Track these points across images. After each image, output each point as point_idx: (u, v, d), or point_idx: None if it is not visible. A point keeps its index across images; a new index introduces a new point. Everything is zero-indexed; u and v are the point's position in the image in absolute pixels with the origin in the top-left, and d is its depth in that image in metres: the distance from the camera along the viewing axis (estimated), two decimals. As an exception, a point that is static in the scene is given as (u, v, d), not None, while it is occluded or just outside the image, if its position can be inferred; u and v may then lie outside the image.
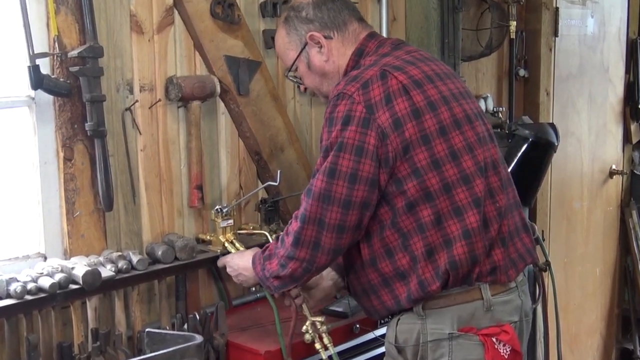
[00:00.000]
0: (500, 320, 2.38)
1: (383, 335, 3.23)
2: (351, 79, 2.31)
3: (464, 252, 2.28)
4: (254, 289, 3.34)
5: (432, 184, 2.26)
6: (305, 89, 2.67)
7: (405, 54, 2.43)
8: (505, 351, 2.35)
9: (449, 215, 2.29)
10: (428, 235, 2.28)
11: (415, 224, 2.29)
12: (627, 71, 5.39)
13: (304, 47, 2.49)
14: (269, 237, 2.98)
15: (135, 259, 2.77)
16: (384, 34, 3.74)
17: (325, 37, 2.46)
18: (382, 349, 3.16)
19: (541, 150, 3.78)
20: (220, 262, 2.85)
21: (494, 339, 2.33)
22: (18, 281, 2.50)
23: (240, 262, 2.67)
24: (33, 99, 2.67)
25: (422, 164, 2.25)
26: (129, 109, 2.88)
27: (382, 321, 2.88)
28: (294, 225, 2.35)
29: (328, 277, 2.75)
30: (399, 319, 2.42)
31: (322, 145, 2.32)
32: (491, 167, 2.39)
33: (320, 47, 2.47)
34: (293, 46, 2.52)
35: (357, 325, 3.11)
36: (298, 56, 2.51)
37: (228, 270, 2.76)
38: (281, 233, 2.46)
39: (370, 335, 3.17)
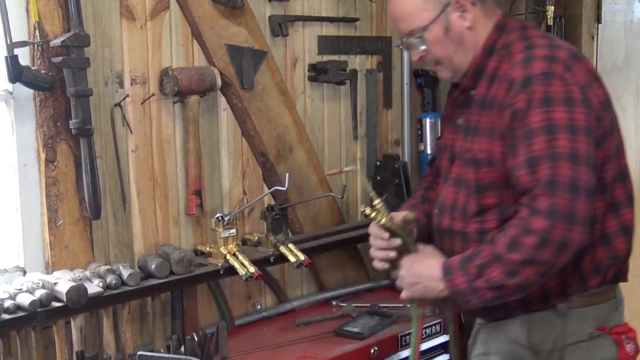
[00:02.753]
0: (620, 320, 2.50)
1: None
2: (546, 58, 2.32)
3: (624, 249, 2.42)
4: (259, 306, 3.41)
5: (606, 177, 2.34)
6: (421, 57, 2.52)
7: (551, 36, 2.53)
8: (630, 349, 2.46)
9: (609, 209, 2.38)
10: (592, 229, 2.31)
11: None
12: (679, 62, 5.37)
13: (444, 9, 2.41)
14: (409, 245, 2.56)
15: (125, 273, 2.76)
16: None
17: (471, 3, 2.42)
18: None
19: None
20: (403, 262, 2.51)
21: (623, 337, 2.44)
22: None
23: (423, 270, 2.41)
24: (11, 93, 2.68)
25: (607, 153, 2.34)
26: (118, 104, 2.88)
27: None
28: (537, 223, 2.18)
29: None
30: (529, 318, 2.44)
31: (530, 125, 2.26)
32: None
33: (463, 12, 2.41)
34: (430, 6, 2.41)
35: (375, 348, 3.13)
36: (436, 18, 2.41)
37: (403, 274, 2.47)
38: (498, 234, 2.29)
39: (390, 359, 3.20)
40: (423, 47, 2.45)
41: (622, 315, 2.51)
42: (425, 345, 3.35)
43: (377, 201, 2.43)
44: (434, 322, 3.37)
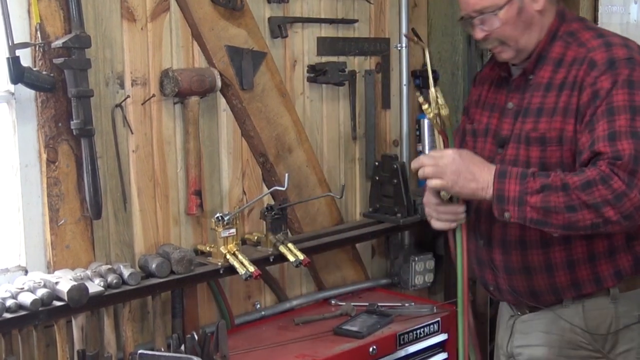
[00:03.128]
0: None
1: (403, 358, 3.28)
2: (624, 46, 2.39)
3: None
4: (259, 305, 3.41)
5: None
6: (486, 36, 2.47)
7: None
8: None
9: None
10: None
11: None
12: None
13: None
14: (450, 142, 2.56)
15: (126, 272, 2.76)
16: (404, 21, 3.82)
17: None
18: None
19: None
20: (417, 164, 2.48)
21: None
22: None
23: (475, 163, 2.38)
24: (13, 94, 2.68)
25: None
26: (119, 105, 2.88)
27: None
28: (618, 184, 2.20)
29: None
30: (583, 304, 2.47)
31: (614, 103, 2.30)
32: None
33: None
34: None
35: (374, 347, 3.13)
36: None
37: (448, 162, 2.40)
38: (571, 173, 2.29)
39: (389, 358, 3.21)
40: (497, 24, 2.40)
41: None
42: (421, 345, 3.36)
43: (432, 90, 2.44)
44: (431, 322, 3.38)
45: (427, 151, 3.93)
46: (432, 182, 2.40)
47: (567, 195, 2.23)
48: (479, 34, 2.46)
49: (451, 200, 2.49)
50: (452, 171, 2.36)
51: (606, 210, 2.20)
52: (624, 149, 2.22)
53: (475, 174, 2.35)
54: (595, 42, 2.41)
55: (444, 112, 2.45)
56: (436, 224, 2.58)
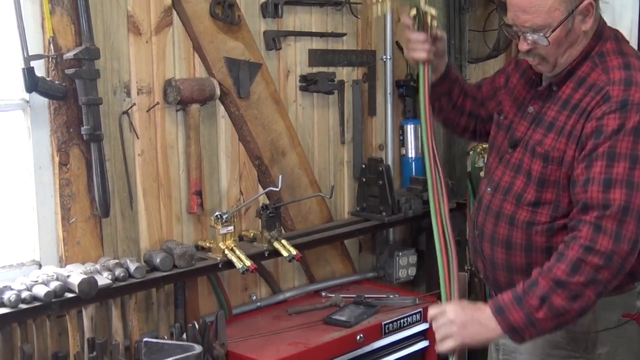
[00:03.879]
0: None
1: (388, 346, 3.29)
2: None
3: None
4: (254, 296, 3.40)
5: None
6: (529, 50, 2.31)
7: None
8: None
9: None
10: None
11: None
12: None
13: (573, 11, 2.23)
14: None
15: (132, 266, 2.77)
16: (389, 36, 3.79)
17: (593, 7, 2.25)
18: (387, 359, 3.26)
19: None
20: (433, 316, 2.27)
21: None
22: (12, 289, 2.51)
23: (471, 313, 2.20)
24: (27, 102, 2.68)
25: None
26: (126, 112, 2.89)
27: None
28: (604, 242, 2.08)
29: None
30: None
31: (617, 148, 2.14)
32: None
33: (585, 16, 2.24)
34: (563, 7, 2.22)
35: (361, 335, 3.13)
36: (565, 19, 2.22)
37: (450, 319, 2.21)
38: (550, 263, 2.14)
39: (374, 345, 3.21)
40: (545, 43, 2.24)
41: None
42: (405, 333, 3.36)
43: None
44: (414, 312, 3.37)
45: (410, 155, 3.94)
46: (448, 344, 2.20)
47: (565, 289, 2.09)
48: (524, 46, 2.30)
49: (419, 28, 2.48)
50: (458, 327, 2.18)
51: (601, 274, 2.08)
52: (615, 198, 2.09)
53: (478, 324, 2.17)
54: (618, 73, 2.23)
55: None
56: (408, 54, 2.53)
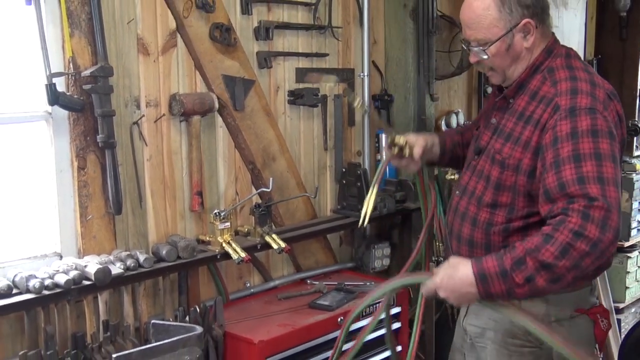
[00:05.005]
0: (596, 302, 2.44)
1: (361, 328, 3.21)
2: (590, 95, 2.17)
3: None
4: (248, 284, 3.40)
5: None
6: (478, 61, 2.33)
7: (592, 70, 2.33)
8: (604, 326, 2.39)
9: None
10: None
11: None
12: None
13: (512, 29, 2.24)
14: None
15: (142, 257, 2.78)
16: (366, 56, 3.79)
17: (534, 27, 2.25)
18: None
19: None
20: (427, 290, 2.19)
21: (598, 316, 2.37)
22: (36, 278, 2.51)
23: (456, 284, 2.11)
24: (50, 113, 2.68)
25: None
26: (136, 122, 2.89)
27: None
28: (592, 230, 1.97)
29: None
30: (521, 303, 2.22)
31: (580, 150, 2.09)
32: None
33: (526, 34, 2.25)
34: (501, 24, 2.23)
35: (342, 318, 3.14)
36: (503, 36, 2.24)
37: (438, 286, 2.15)
38: (539, 241, 2.02)
39: (353, 327, 3.03)
40: (485, 57, 2.28)
41: (596, 297, 2.44)
42: (380, 316, 3.34)
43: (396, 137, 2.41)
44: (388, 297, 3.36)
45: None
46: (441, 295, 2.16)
47: (550, 272, 1.98)
48: (472, 58, 2.33)
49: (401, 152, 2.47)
50: (445, 294, 2.13)
51: (584, 261, 1.97)
52: (593, 192, 2.00)
53: (463, 294, 2.10)
54: (565, 84, 2.21)
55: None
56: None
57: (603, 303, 5.18)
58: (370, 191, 2.35)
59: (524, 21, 2.25)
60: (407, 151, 2.41)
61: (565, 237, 1.97)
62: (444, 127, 4.21)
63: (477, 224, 2.35)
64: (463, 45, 2.43)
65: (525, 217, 2.27)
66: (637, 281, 5.51)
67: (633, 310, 5.63)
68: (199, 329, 2.64)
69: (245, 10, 3.24)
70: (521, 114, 2.28)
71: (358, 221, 3.54)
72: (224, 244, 3.03)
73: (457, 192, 2.46)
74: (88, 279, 2.59)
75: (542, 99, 2.24)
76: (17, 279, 2.51)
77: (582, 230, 1.96)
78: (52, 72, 2.57)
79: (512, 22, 2.24)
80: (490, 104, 2.51)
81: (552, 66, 2.30)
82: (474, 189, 2.39)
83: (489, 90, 4.42)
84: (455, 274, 2.10)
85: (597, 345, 2.44)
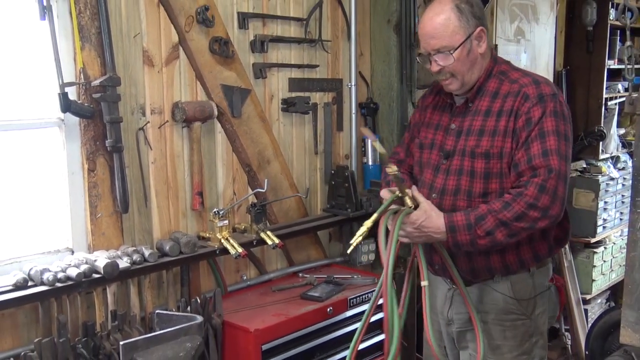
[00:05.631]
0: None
1: (352, 317, 3.26)
2: (547, 84, 2.38)
3: (568, 227, 2.54)
4: (245, 277, 3.39)
5: None
6: (439, 70, 2.40)
7: None
8: (557, 294, 2.60)
9: None
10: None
11: None
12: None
13: (470, 36, 2.36)
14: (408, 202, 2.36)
15: (147, 252, 2.79)
16: (353, 67, 3.80)
17: (485, 35, 2.41)
18: (352, 327, 3.24)
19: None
20: (406, 218, 2.31)
21: (558, 285, 2.54)
22: (50, 271, 2.53)
23: (430, 229, 2.31)
24: (62, 120, 2.69)
25: None
26: (141, 128, 2.89)
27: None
28: (544, 200, 2.22)
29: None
30: (510, 279, 2.45)
31: (545, 128, 2.29)
32: None
33: (480, 41, 2.38)
34: (462, 32, 2.34)
35: (331, 308, 3.16)
36: (464, 42, 2.35)
37: (410, 229, 2.32)
38: (502, 205, 2.25)
39: (342, 316, 3.22)
40: (451, 61, 2.35)
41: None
42: (366, 306, 3.15)
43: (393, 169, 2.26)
44: (373, 289, 3.22)
45: (369, 163, 3.95)
46: (404, 240, 2.35)
47: (508, 228, 2.23)
48: (435, 67, 2.39)
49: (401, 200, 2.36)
50: (415, 237, 2.33)
51: (538, 224, 2.24)
52: (554, 163, 2.23)
53: (433, 236, 2.32)
54: (525, 79, 2.38)
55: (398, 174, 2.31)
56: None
57: (571, 295, 5.25)
58: (364, 229, 2.32)
59: (478, 29, 2.38)
60: (410, 204, 2.35)
61: (520, 207, 2.23)
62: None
63: None
64: (419, 60, 2.52)
65: None
66: (603, 274, 5.55)
67: (599, 301, 5.68)
68: (199, 319, 2.64)
69: (242, 25, 3.25)
70: (488, 112, 2.39)
71: (346, 219, 3.65)
72: (222, 240, 3.03)
73: (433, 195, 2.46)
74: (97, 272, 2.60)
75: (507, 95, 2.37)
76: (32, 272, 2.52)
77: (535, 202, 2.22)
78: (64, 82, 2.58)
79: (469, 30, 2.36)
80: (435, 118, 2.57)
81: (502, 70, 2.45)
82: (457, 186, 2.42)
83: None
84: (430, 220, 2.30)
85: (559, 307, 2.62)
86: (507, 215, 2.23)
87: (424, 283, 2.32)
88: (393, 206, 2.34)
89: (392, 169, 2.22)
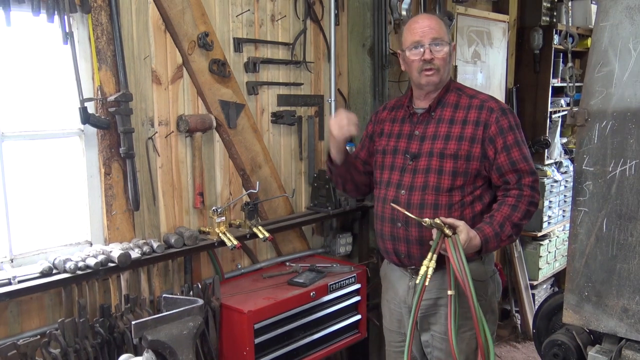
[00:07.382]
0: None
1: (332, 300, 3.27)
2: (499, 100, 2.46)
3: None
4: (239, 266, 3.38)
5: None
6: (432, 59, 2.39)
7: None
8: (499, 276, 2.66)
9: None
10: None
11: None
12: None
13: (450, 44, 2.43)
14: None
15: (155, 245, 2.80)
16: (333, 85, 3.78)
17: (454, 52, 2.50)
18: (331, 309, 3.26)
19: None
20: (462, 243, 2.21)
21: (499, 268, 2.55)
22: (71, 261, 2.54)
23: (474, 245, 2.26)
24: (82, 131, 2.70)
25: None
26: (150, 138, 2.90)
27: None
28: (537, 197, 2.36)
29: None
30: (475, 264, 2.44)
31: (516, 138, 2.37)
32: None
33: (453, 54, 2.47)
34: (448, 36, 2.43)
35: (314, 292, 3.18)
36: (449, 44, 2.43)
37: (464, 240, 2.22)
38: (510, 211, 2.33)
39: (323, 299, 3.24)
40: (445, 50, 2.38)
41: None
42: (344, 291, 3.32)
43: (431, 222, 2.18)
44: (350, 276, 3.36)
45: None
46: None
47: (518, 227, 2.34)
48: (428, 55, 2.37)
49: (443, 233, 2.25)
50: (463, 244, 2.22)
51: (532, 216, 2.37)
52: (532, 166, 2.37)
53: (472, 249, 2.26)
54: (482, 96, 2.44)
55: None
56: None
57: (520, 281, 5.32)
58: (424, 268, 2.23)
59: (453, 43, 2.45)
60: (448, 232, 2.22)
61: (525, 206, 2.34)
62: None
63: (439, 207, 2.39)
64: (411, 53, 2.42)
65: (472, 193, 2.42)
66: (548, 263, 5.61)
67: (545, 286, 5.76)
68: (200, 302, 2.52)
69: (237, 48, 3.26)
70: (452, 120, 2.41)
71: (327, 216, 3.59)
72: (220, 234, 3.03)
73: (402, 191, 2.44)
74: (112, 261, 2.61)
75: (469, 107, 2.41)
76: (56, 261, 2.53)
77: (533, 200, 2.35)
78: (84, 97, 2.59)
79: (449, 40, 2.42)
80: (396, 128, 2.55)
81: (458, 87, 2.50)
82: (425, 182, 2.40)
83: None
84: (473, 240, 2.24)
85: (501, 287, 2.64)
86: (517, 216, 2.33)
87: (450, 292, 2.22)
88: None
89: (426, 222, 2.17)
